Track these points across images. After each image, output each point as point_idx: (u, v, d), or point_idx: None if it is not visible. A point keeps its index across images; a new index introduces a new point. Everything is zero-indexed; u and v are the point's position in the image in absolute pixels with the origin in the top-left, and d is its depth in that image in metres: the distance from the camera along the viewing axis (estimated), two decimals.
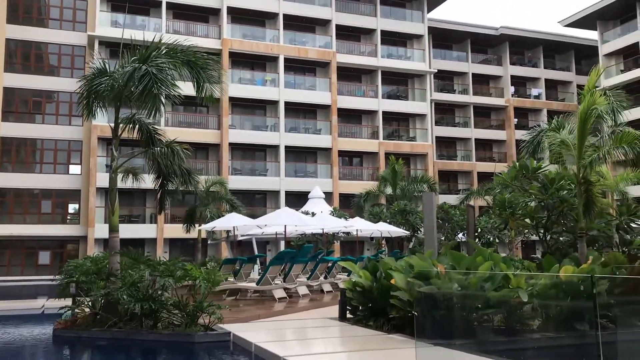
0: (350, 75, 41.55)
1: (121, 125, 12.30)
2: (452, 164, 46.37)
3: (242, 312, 12.70)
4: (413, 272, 8.20)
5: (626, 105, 13.35)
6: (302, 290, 15.55)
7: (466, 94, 48.19)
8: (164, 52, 11.78)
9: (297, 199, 34.51)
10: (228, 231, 25.14)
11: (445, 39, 47.83)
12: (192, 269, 10.43)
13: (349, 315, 10.74)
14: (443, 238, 25.44)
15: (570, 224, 11.15)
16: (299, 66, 39.84)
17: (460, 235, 25.49)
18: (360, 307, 10.31)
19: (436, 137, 45.69)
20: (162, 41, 12.04)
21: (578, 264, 9.68)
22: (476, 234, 20.72)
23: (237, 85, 37.43)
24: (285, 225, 17.13)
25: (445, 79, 48.74)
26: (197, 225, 23.63)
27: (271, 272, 14.83)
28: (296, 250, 17.13)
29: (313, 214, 25.88)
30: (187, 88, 12.83)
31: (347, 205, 35.95)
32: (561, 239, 11.96)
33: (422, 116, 42.82)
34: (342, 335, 9.95)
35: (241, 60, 38.72)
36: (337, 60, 39.78)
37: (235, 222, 18.35)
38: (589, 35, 49.25)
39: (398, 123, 43.47)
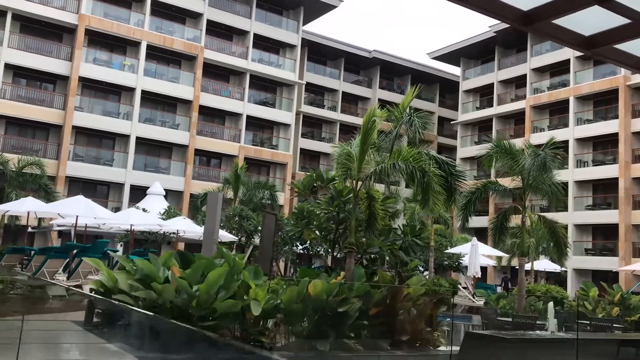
0: (217, 73, 40.30)
1: None
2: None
3: None
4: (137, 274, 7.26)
5: (426, 126, 13.47)
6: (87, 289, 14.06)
7: (335, 111, 48.74)
8: None
9: (144, 194, 32.50)
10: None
11: (320, 54, 48.16)
12: None
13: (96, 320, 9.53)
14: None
15: (352, 240, 10.82)
16: (163, 56, 37.94)
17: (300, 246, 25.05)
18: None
19: (301, 149, 45.69)
20: None
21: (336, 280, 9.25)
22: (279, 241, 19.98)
23: (90, 65, 34.83)
24: (77, 216, 15.55)
25: (316, 93, 49.02)
26: None
27: (50, 265, 13.21)
28: (88, 245, 15.58)
29: (144, 210, 24.29)
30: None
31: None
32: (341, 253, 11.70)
33: (286, 126, 42.47)
34: (59, 342, 8.66)
35: (100, 40, 36.11)
36: (204, 56, 38.40)
37: (28, 207, 16.42)
38: (454, 70, 51.99)
39: (262, 129, 42.79)
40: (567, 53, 39.47)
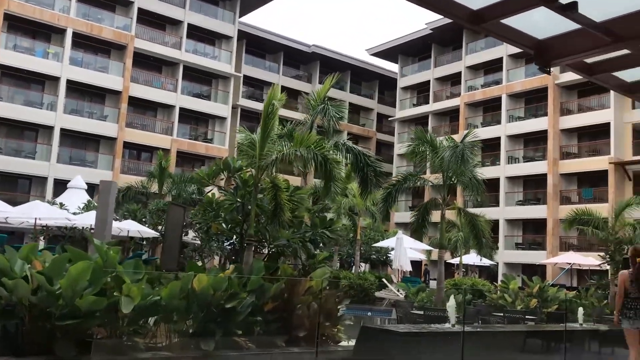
0: (149, 64, 38.91)
1: None
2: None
3: None
4: None
5: (342, 116, 13.15)
6: None
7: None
8: None
9: None
10: None
11: (259, 47, 47.39)
12: None
13: None
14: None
15: (258, 231, 10.30)
16: (90, 44, 36.28)
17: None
18: None
19: (238, 143, 44.79)
20: None
21: (241, 273, 8.73)
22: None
23: (10, 52, 32.89)
24: None
25: (255, 87, 48.21)
26: None
27: None
28: None
29: (61, 205, 22.98)
30: None
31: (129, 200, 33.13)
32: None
33: (222, 119, 41.52)
34: None
35: (21, 25, 34.15)
36: (135, 45, 36.99)
37: None
38: (392, 67, 52.22)
39: (197, 123, 41.68)
40: (501, 51, 40.21)
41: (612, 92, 33.24)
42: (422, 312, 11.34)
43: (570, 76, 35.19)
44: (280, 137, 11.09)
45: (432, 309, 11.31)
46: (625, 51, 6.39)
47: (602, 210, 22.51)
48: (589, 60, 6.80)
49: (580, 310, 9.89)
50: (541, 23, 6.03)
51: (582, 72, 6.90)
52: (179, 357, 7.23)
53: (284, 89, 50.30)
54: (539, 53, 6.52)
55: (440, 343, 6.83)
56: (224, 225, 10.87)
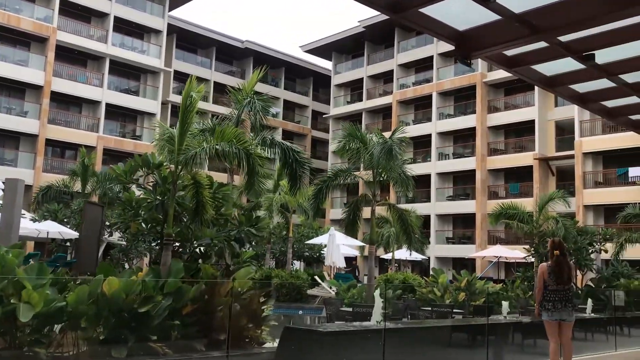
0: (73, 57, 37.15)
1: None
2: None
3: None
4: None
5: (269, 111, 12.88)
6: None
7: (207, 101, 47.00)
8: None
9: None
10: None
11: (191, 41, 46.25)
12: None
13: None
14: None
15: (179, 230, 9.83)
16: (8, 36, 34.21)
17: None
18: None
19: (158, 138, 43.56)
20: None
21: (158, 275, 8.26)
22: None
23: None
24: None
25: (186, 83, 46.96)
26: None
27: None
28: None
29: None
30: None
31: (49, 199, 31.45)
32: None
33: (152, 115, 40.17)
34: None
35: None
36: (58, 38, 35.20)
37: None
38: (327, 64, 52.26)
39: (125, 119, 40.18)
40: (431, 50, 40.96)
41: (536, 90, 34.56)
42: (350, 310, 11.19)
43: (498, 74, 36.31)
44: (203, 132, 10.63)
45: (361, 305, 11.18)
46: (543, 44, 6.42)
47: (527, 204, 23.26)
48: (509, 53, 6.81)
49: (505, 303, 10.01)
50: (461, 13, 5.95)
51: (503, 64, 6.90)
52: None
53: (216, 84, 49.45)
54: (459, 45, 6.46)
55: (364, 341, 6.66)
56: (143, 225, 10.31)
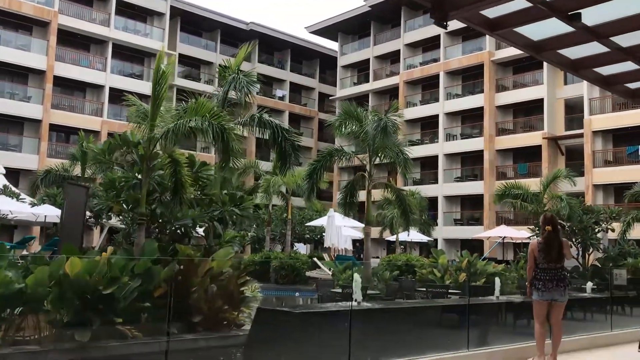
0: (76, 42, 36.94)
1: None
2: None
3: None
4: None
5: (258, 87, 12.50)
6: None
7: (212, 85, 46.62)
8: None
9: None
10: None
11: (195, 24, 45.80)
12: None
13: None
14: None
15: (142, 210, 9.45)
16: (9, 20, 34.03)
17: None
18: None
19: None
20: None
21: (131, 255, 7.98)
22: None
23: None
24: None
25: (192, 66, 46.65)
26: None
27: None
28: None
29: None
30: None
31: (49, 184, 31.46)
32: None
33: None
34: None
35: None
36: (59, 22, 34.96)
37: None
38: (333, 46, 51.56)
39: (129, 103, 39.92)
40: (438, 28, 40.07)
41: (545, 68, 33.74)
42: (340, 291, 10.88)
43: (506, 52, 35.49)
44: (185, 111, 10.28)
45: (350, 286, 10.85)
46: (526, 3, 5.95)
47: (535, 184, 22.72)
48: (490, 15, 6.35)
49: (497, 282, 9.62)
50: None
51: (483, 27, 6.44)
52: (49, 351, 6.45)
53: (222, 68, 48.71)
54: (435, 6, 6.02)
55: (337, 322, 6.33)
56: (124, 205, 10.03)
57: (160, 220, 9.55)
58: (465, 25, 6.92)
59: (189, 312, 7.71)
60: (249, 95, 12.50)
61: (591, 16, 6.20)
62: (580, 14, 6.00)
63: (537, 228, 19.87)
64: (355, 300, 7.62)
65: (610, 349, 7.99)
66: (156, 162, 9.23)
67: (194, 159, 9.49)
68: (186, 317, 7.70)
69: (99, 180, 26.79)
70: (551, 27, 6.51)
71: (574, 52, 7.37)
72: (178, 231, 9.48)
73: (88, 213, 16.18)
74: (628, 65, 7.61)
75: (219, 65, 13.70)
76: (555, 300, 7.11)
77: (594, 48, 7.09)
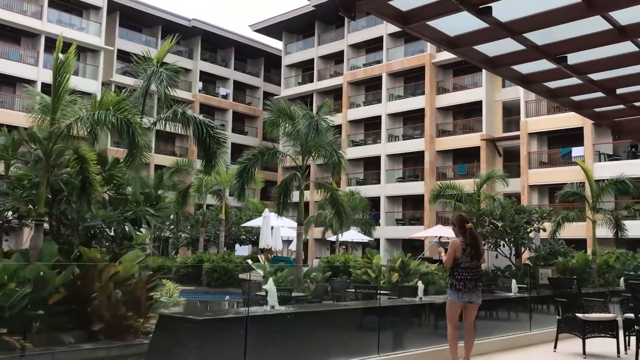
0: (5, 34, 35.22)
1: None
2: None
3: None
4: None
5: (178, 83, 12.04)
6: None
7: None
8: None
9: None
10: None
11: (135, 19, 44.52)
12: None
13: None
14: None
15: (40, 210, 8.83)
16: None
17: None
18: None
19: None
20: None
21: (27, 260, 7.36)
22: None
23: None
24: None
25: (131, 62, 45.17)
26: None
27: None
28: None
29: None
30: None
31: None
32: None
33: (91, 95, 38.40)
34: None
35: None
36: None
37: None
38: (278, 44, 51.12)
39: None
40: (381, 30, 40.33)
41: (484, 71, 34.34)
42: (264, 294, 10.49)
43: (446, 55, 35.91)
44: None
45: (281, 289, 10.50)
46: None
47: (470, 185, 22.94)
48: (403, 7, 6.12)
49: (420, 284, 9.47)
50: None
51: (395, 20, 6.19)
52: None
53: (163, 65, 47.62)
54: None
55: (238, 328, 5.96)
56: (30, 205, 9.35)
57: (68, 222, 8.93)
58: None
59: (89, 319, 7.17)
60: (169, 89, 11.95)
61: (503, 11, 6.06)
62: (490, 8, 5.84)
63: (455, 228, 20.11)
64: (270, 305, 7.29)
65: (527, 350, 7.93)
66: (62, 160, 8.61)
67: (105, 156, 8.92)
68: (86, 325, 7.16)
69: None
70: (466, 22, 6.33)
71: (490, 49, 7.24)
72: (88, 233, 8.89)
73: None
74: (545, 64, 7.56)
75: (136, 56, 13.00)
76: (471, 302, 6.96)
77: (510, 45, 6.97)
